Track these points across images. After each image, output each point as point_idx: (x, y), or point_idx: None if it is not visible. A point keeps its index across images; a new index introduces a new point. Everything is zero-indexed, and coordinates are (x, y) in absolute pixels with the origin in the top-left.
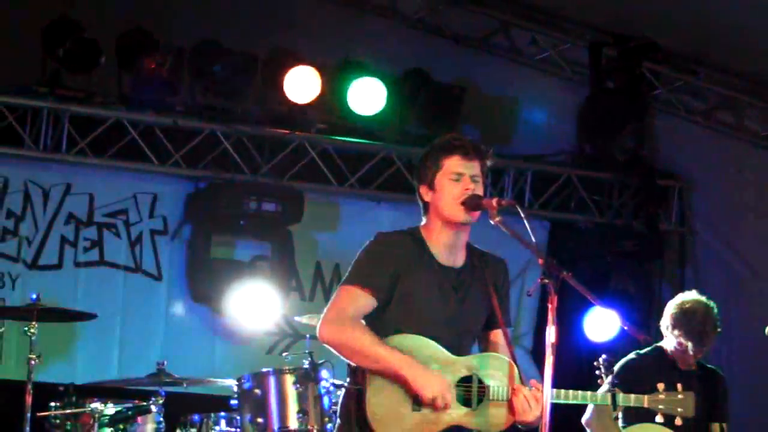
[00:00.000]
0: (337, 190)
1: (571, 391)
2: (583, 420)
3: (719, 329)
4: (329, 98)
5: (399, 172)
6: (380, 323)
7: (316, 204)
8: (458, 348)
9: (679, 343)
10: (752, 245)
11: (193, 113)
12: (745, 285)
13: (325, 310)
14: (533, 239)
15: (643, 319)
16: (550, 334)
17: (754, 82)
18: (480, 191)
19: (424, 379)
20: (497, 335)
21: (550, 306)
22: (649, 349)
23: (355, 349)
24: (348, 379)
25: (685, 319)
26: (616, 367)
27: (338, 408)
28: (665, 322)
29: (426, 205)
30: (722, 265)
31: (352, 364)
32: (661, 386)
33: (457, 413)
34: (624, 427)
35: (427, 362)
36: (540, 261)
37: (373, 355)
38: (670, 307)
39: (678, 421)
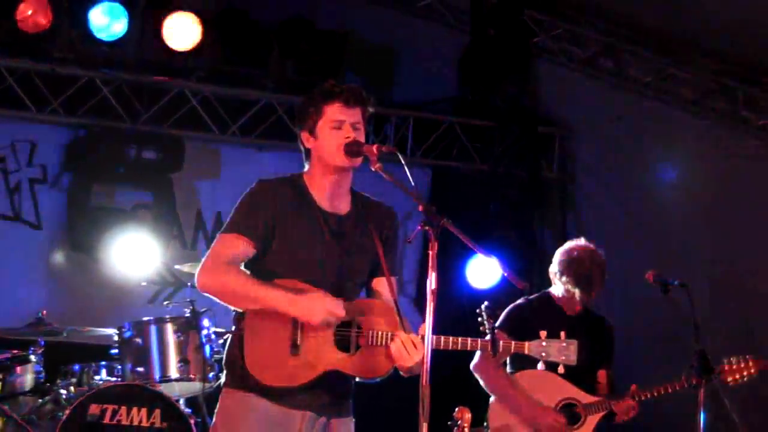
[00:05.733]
0: (219, 138)
1: (451, 338)
2: (472, 365)
3: (606, 277)
4: (209, 46)
5: (280, 119)
6: (261, 270)
7: (197, 152)
8: (338, 294)
9: (567, 290)
10: (632, 193)
11: (71, 60)
12: (625, 232)
13: (203, 259)
14: (413, 186)
15: (524, 266)
16: (431, 281)
17: (635, 30)
18: (361, 138)
19: (307, 307)
20: (381, 283)
21: (430, 253)
22: (537, 294)
23: (234, 292)
24: (233, 327)
25: (573, 266)
26: (503, 312)
27: (224, 355)
28: (553, 268)
29: (308, 151)
30: (603, 212)
31: (236, 310)
32: (543, 334)
33: (336, 357)
34: (512, 373)
35: None
36: (420, 208)
37: (252, 295)
38: (559, 254)
39: (561, 369)
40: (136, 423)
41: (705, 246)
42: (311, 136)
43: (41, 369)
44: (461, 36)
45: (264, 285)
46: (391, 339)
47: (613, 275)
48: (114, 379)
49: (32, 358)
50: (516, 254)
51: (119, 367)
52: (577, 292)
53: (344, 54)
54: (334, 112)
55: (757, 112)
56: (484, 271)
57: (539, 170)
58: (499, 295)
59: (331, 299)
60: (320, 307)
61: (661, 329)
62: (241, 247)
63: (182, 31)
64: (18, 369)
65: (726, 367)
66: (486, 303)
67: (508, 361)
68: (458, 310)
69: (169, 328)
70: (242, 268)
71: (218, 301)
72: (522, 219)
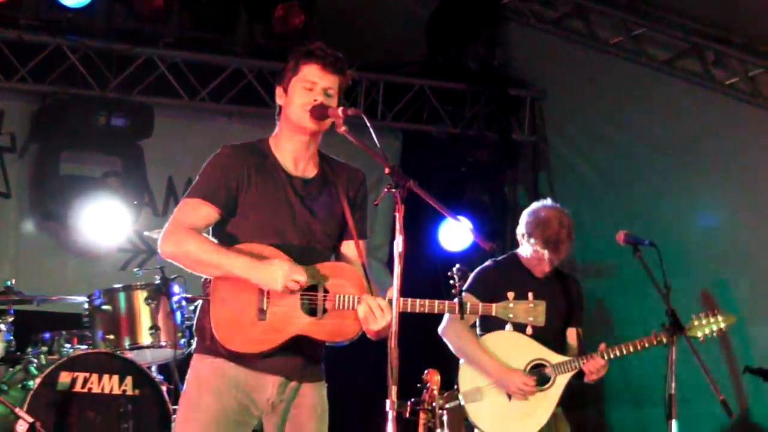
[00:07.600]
0: (188, 104)
1: (418, 300)
2: (440, 329)
3: (574, 237)
4: (177, 11)
5: (250, 85)
6: (226, 235)
7: (167, 118)
8: (306, 258)
9: (535, 251)
10: (603, 153)
11: (38, 27)
12: (596, 193)
13: (166, 224)
14: (379, 148)
15: (497, 228)
16: (398, 243)
17: None
18: (333, 105)
19: (267, 274)
20: (349, 246)
21: (397, 215)
22: (505, 256)
23: (195, 258)
24: (203, 293)
25: (540, 228)
26: (471, 275)
27: (194, 321)
28: (521, 230)
29: (280, 109)
30: (575, 173)
31: (202, 276)
32: (511, 295)
33: (303, 322)
34: (481, 335)
35: None
36: (386, 170)
37: (214, 262)
38: (525, 216)
39: (528, 330)
40: (107, 390)
41: (675, 205)
42: (284, 92)
43: (11, 338)
44: None
45: (225, 251)
46: (359, 302)
47: (584, 235)
48: (85, 347)
49: (2, 326)
50: (488, 216)
51: (90, 334)
52: (545, 253)
53: (313, 18)
54: (309, 72)
55: (727, 71)
56: (456, 233)
57: (510, 132)
58: (472, 258)
59: (293, 266)
60: (282, 274)
61: (633, 289)
62: (204, 212)
63: None
64: None
65: (695, 323)
66: (458, 265)
67: (477, 324)
68: (431, 273)
69: (140, 295)
70: (206, 233)
71: (181, 266)
72: (494, 181)
